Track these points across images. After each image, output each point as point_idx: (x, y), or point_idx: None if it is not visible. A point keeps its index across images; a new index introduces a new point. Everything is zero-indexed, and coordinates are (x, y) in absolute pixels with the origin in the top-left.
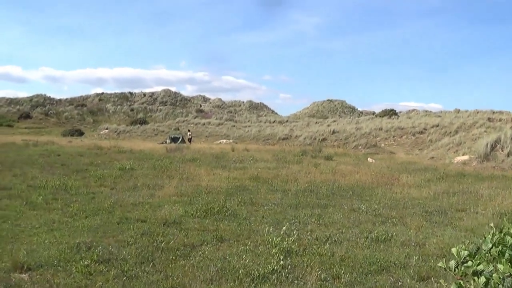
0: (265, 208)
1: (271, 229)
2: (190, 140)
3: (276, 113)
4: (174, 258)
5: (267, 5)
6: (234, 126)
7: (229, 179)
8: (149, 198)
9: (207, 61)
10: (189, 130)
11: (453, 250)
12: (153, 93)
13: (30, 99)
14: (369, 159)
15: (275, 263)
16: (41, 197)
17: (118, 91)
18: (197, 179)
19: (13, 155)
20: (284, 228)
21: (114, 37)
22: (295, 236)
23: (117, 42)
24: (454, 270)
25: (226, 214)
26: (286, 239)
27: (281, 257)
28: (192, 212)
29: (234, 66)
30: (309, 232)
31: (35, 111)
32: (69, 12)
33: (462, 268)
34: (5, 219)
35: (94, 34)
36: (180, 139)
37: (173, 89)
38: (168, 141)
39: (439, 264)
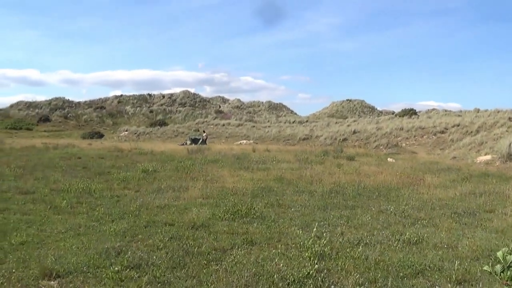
0: (292, 210)
1: (301, 232)
2: (205, 141)
3: (295, 113)
4: (206, 262)
5: (282, 6)
6: (254, 126)
7: (253, 181)
8: (175, 201)
9: (225, 62)
10: (204, 131)
11: (499, 254)
12: (172, 95)
13: (49, 102)
14: (389, 159)
15: (309, 267)
16: (65, 201)
17: (136, 93)
18: (221, 180)
19: (34, 158)
20: (314, 230)
21: (131, 39)
22: (326, 239)
23: (134, 44)
24: (500, 274)
25: (254, 216)
26: (318, 242)
27: (315, 261)
28: (219, 214)
29: (252, 67)
30: (339, 235)
31: (54, 114)
32: (86, 14)
33: (509, 273)
34: (30, 224)
35: (111, 36)
36: (201, 140)
37: (192, 90)
38: (188, 142)
39: (485, 268)
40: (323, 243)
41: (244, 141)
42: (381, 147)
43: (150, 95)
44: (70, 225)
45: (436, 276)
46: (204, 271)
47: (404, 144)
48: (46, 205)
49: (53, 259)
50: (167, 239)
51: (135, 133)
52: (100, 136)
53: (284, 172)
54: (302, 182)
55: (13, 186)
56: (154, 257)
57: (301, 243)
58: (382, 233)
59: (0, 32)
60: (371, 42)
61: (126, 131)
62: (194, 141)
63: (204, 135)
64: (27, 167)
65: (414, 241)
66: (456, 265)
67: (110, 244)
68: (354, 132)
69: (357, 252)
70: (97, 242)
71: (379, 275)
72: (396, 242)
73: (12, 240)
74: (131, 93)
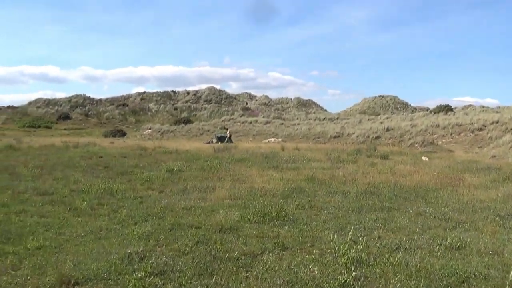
0: (325, 212)
1: (336, 236)
2: (231, 139)
3: (325, 110)
4: (235, 269)
5: None
6: (282, 124)
7: (283, 181)
8: (201, 202)
9: (252, 57)
10: (227, 128)
11: None
12: (197, 91)
13: (69, 99)
14: (424, 158)
15: (346, 274)
16: (85, 202)
17: (160, 90)
18: (249, 180)
19: (53, 157)
20: (350, 234)
21: (155, 34)
22: (363, 243)
23: (158, 39)
24: None
25: (285, 219)
26: (354, 247)
27: (352, 268)
28: (248, 217)
29: (280, 62)
30: (377, 239)
31: (74, 111)
32: (107, 9)
33: None
34: (48, 227)
35: (134, 31)
36: (227, 138)
37: (218, 87)
38: (214, 140)
39: None
40: (360, 248)
41: (272, 139)
42: (416, 145)
43: (174, 92)
44: (90, 228)
45: (483, 286)
46: (233, 278)
47: (440, 142)
48: (65, 207)
49: (72, 265)
50: (193, 243)
51: (159, 131)
52: (123, 134)
53: (315, 172)
54: (335, 182)
55: (31, 187)
56: (180, 263)
57: (336, 248)
58: (422, 237)
59: (19, 28)
60: (404, 35)
61: (150, 129)
62: (220, 139)
63: (227, 132)
64: (46, 167)
65: (457, 246)
66: (501, 272)
67: (133, 249)
68: (388, 130)
69: (396, 258)
70: (119, 246)
71: (421, 283)
72: (437, 247)
73: (28, 244)
74: (155, 90)
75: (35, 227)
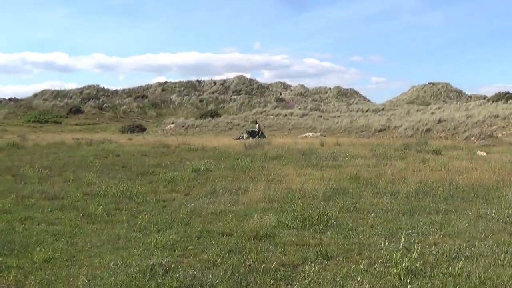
0: (372, 215)
1: (386, 243)
2: (263, 134)
3: (368, 100)
4: (273, 282)
5: None
6: (321, 116)
7: (324, 180)
8: (232, 206)
9: (285, 41)
10: (256, 122)
11: None
12: (224, 81)
13: (81, 91)
14: (479, 152)
15: (401, 287)
16: (100, 207)
17: (183, 79)
18: (285, 180)
19: (64, 156)
20: (402, 241)
21: (177, 17)
22: (417, 251)
23: (180, 22)
24: None
25: (328, 223)
26: (407, 255)
27: (407, 280)
28: (286, 222)
29: (317, 47)
30: (432, 246)
31: (86, 104)
32: None
33: None
34: (58, 236)
35: (154, 13)
36: (260, 133)
37: (248, 75)
38: (245, 136)
39: None
40: (415, 256)
41: (310, 134)
42: (473, 138)
43: (199, 81)
44: (107, 237)
45: None
46: None
47: (500, 135)
48: (78, 213)
49: (86, 280)
50: (225, 252)
51: (183, 126)
52: (142, 129)
53: (359, 170)
54: (382, 181)
55: (38, 190)
56: (210, 276)
57: (387, 256)
58: (484, 243)
59: (20, 9)
60: (458, 14)
61: (172, 123)
62: (252, 134)
63: (256, 126)
64: (55, 167)
65: None
66: None
67: (156, 260)
68: (440, 121)
69: (456, 268)
70: (140, 257)
71: None
72: (503, 255)
73: (35, 256)
74: (177, 80)
75: (42, 237)
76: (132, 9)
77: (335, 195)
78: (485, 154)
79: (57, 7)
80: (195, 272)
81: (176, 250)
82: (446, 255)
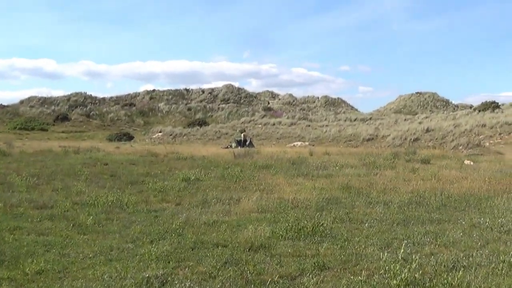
0: (366, 225)
1: (384, 254)
2: (252, 143)
3: (356, 110)
4: None
5: None
6: (309, 126)
7: (316, 190)
8: (225, 216)
9: (274, 50)
10: (244, 131)
11: None
12: (213, 90)
13: (68, 98)
14: (467, 161)
15: None
16: (91, 217)
17: (172, 87)
18: (277, 190)
19: (51, 164)
20: (401, 251)
21: (166, 24)
22: (415, 262)
23: (170, 30)
24: None
25: (323, 234)
26: (406, 266)
27: None
28: (281, 232)
29: (306, 56)
30: (429, 256)
31: (74, 112)
32: None
33: None
34: (49, 247)
35: (143, 21)
36: (248, 142)
37: (236, 84)
38: (233, 144)
39: None
40: (413, 267)
41: (299, 143)
42: (460, 147)
43: (187, 90)
44: (99, 248)
45: None
46: None
47: (487, 144)
48: (68, 223)
49: None
50: (221, 264)
51: (171, 135)
52: (130, 138)
53: (350, 179)
54: (374, 191)
55: (26, 199)
56: None
57: (386, 267)
58: (480, 253)
59: (8, 14)
60: (445, 24)
61: (160, 132)
62: (240, 143)
63: (241, 136)
64: (43, 176)
65: None
66: None
67: (151, 272)
68: (427, 131)
69: (456, 278)
70: (135, 269)
71: None
72: (501, 265)
73: (27, 268)
74: (166, 88)
75: (33, 247)
76: (122, 17)
77: (328, 205)
78: (473, 163)
79: (46, 13)
80: (192, 285)
81: (171, 262)
82: (444, 266)
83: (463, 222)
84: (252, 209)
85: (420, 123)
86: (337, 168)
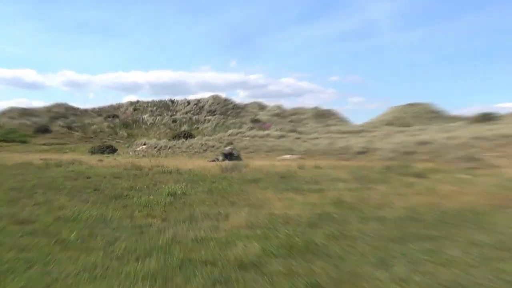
0: (361, 242)
1: (381, 273)
2: (239, 156)
3: (347, 121)
4: None
5: None
6: (299, 138)
7: (307, 205)
8: (213, 232)
9: (262, 60)
10: (231, 143)
11: None
12: (199, 101)
13: (48, 109)
14: (463, 175)
15: None
16: (74, 232)
17: (156, 98)
18: (267, 205)
19: (32, 178)
20: (398, 270)
21: (149, 34)
22: (414, 281)
23: (153, 40)
24: None
25: (316, 252)
26: (403, 285)
27: None
28: (272, 250)
29: (295, 66)
30: (428, 275)
31: (55, 123)
32: (95, 4)
33: None
34: (30, 263)
35: (126, 30)
36: (236, 156)
37: (223, 95)
38: (220, 158)
39: None
40: (411, 287)
41: (288, 156)
42: (456, 160)
43: (172, 101)
44: (83, 265)
45: None
46: None
47: (483, 157)
48: (50, 239)
49: None
50: (210, 283)
51: (155, 147)
52: (113, 150)
53: (342, 194)
54: (367, 206)
55: (6, 214)
56: None
57: (383, 287)
58: (480, 271)
59: None
60: (438, 32)
61: (144, 144)
62: (227, 156)
63: (229, 148)
64: (23, 189)
65: None
66: None
67: None
68: (421, 143)
69: None
70: None
71: None
72: (501, 284)
73: (8, 286)
74: (150, 99)
75: (14, 264)
76: (105, 27)
77: (320, 221)
78: (469, 176)
79: (26, 23)
80: None
81: (158, 280)
82: (443, 285)
83: (461, 239)
84: (241, 225)
85: (413, 135)
86: (328, 182)
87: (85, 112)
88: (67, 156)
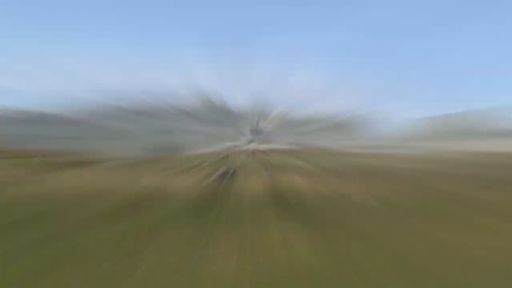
0: None
1: None
2: (232, 175)
3: (376, 132)
4: None
5: None
6: (310, 153)
7: (324, 253)
8: None
9: (266, 60)
10: (226, 158)
11: None
12: (187, 106)
13: None
14: None
15: None
16: None
17: (140, 104)
18: (269, 249)
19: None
20: None
21: (140, 37)
22: None
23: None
24: None
25: None
26: None
27: None
28: None
29: (302, 68)
30: None
31: None
32: None
33: None
34: None
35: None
36: (228, 174)
37: (217, 101)
38: (213, 177)
39: None
40: None
41: (298, 176)
42: None
43: (155, 107)
44: None
45: None
46: None
47: None
48: None
49: None
50: None
51: (131, 162)
52: (80, 164)
53: (379, 235)
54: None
55: None
56: None
57: None
58: None
59: None
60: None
61: (119, 159)
62: (222, 175)
63: (224, 166)
64: None
65: None
66: None
67: None
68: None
69: None
70: None
71: None
72: None
73: None
74: (127, 103)
75: None
76: None
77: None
78: None
79: None
80: None
81: None
82: None
83: None
84: (232, 279)
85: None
86: (353, 214)
87: None
88: None
